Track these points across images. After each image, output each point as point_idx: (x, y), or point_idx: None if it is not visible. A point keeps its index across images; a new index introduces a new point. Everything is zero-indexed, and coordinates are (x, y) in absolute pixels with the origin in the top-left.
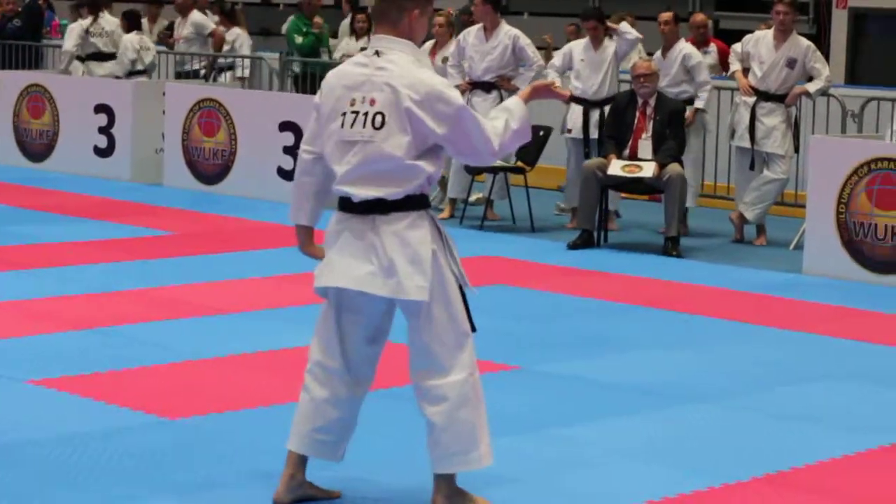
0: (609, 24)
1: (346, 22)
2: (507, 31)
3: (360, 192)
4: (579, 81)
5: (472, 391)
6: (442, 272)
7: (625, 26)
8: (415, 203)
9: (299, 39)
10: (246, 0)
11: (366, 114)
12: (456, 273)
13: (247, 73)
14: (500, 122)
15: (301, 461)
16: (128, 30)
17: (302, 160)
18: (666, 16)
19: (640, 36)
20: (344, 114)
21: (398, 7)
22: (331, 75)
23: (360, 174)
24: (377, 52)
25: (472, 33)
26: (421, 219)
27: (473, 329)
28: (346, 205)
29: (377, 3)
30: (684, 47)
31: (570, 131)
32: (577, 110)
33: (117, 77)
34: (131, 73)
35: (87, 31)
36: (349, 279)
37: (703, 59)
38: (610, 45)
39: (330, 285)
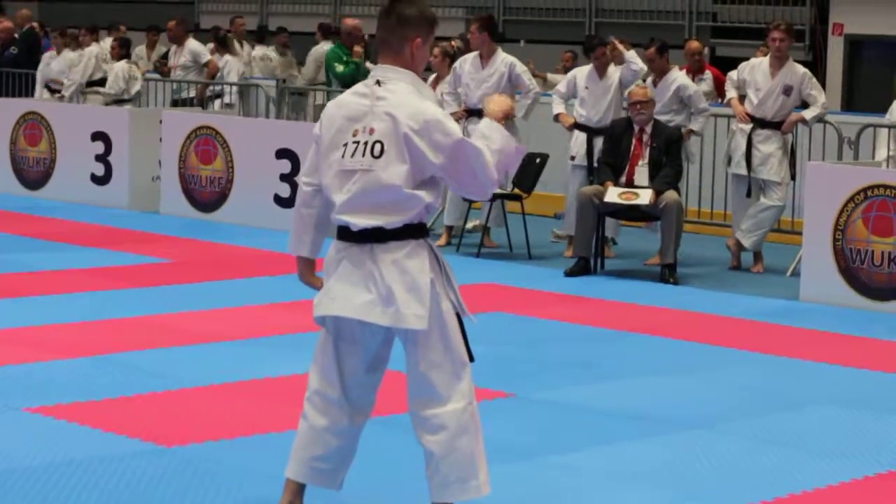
0: (619, 44)
1: (320, 49)
2: (504, 59)
3: (359, 221)
4: (584, 109)
5: (471, 420)
6: (440, 301)
7: (632, 56)
8: (413, 232)
9: (340, 68)
10: (294, 29)
11: (366, 143)
12: (454, 302)
13: (233, 98)
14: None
15: (299, 489)
16: (119, 58)
17: (302, 192)
18: (649, 53)
19: (645, 67)
20: (346, 144)
21: (400, 36)
22: (331, 105)
23: (360, 203)
24: (378, 82)
25: (468, 61)
26: (420, 247)
27: (472, 359)
28: (345, 234)
29: (379, 32)
30: (678, 77)
31: (573, 158)
32: (581, 137)
33: (106, 104)
34: (119, 101)
35: (96, 58)
36: (348, 308)
37: (699, 89)
38: (614, 74)
39: (329, 314)
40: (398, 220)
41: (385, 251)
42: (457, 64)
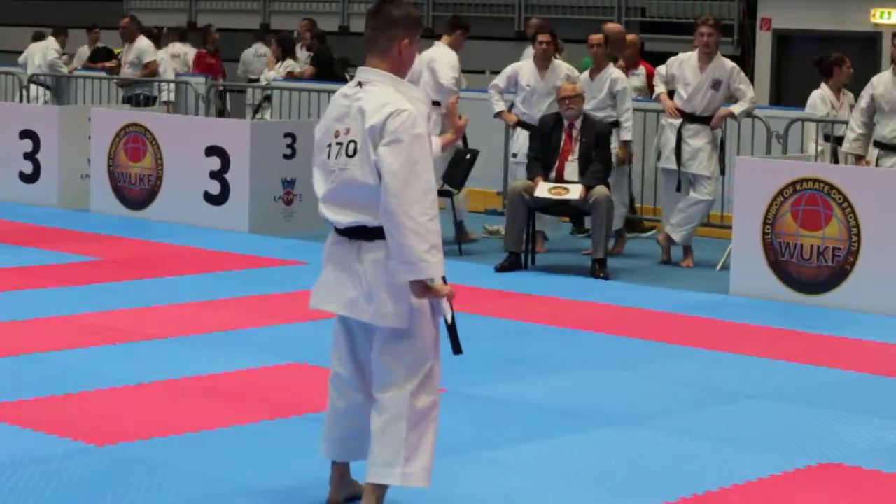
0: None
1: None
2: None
3: (339, 218)
4: (526, 107)
5: (413, 412)
6: (411, 298)
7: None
8: None
9: None
10: (223, 27)
11: (343, 144)
12: (432, 301)
13: (172, 96)
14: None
15: (341, 464)
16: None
17: None
18: (597, 38)
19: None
20: (329, 145)
21: (388, 36)
22: (328, 108)
23: (336, 199)
24: (360, 84)
25: None
26: None
27: (459, 351)
28: (336, 227)
29: (368, 32)
30: (614, 72)
31: (514, 156)
32: (524, 135)
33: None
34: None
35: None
36: (336, 303)
37: (628, 86)
38: (558, 70)
39: (320, 308)
40: (376, 219)
41: (369, 250)
42: None
